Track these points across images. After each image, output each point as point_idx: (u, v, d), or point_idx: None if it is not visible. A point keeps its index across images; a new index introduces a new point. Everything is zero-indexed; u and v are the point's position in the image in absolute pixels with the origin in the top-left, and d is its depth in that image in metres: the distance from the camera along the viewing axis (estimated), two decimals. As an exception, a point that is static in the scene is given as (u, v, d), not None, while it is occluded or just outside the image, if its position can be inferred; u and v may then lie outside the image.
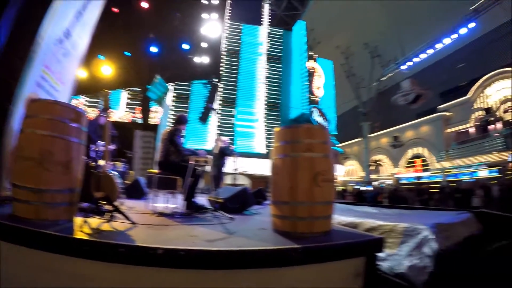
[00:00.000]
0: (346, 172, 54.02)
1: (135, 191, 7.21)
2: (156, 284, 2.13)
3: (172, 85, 24.82)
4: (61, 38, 5.26)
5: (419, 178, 41.67)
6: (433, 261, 3.19)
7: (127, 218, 3.29)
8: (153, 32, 14.39)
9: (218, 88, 17.78)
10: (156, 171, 5.07)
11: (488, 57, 41.10)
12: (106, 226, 3.00)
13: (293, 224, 3.03)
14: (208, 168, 5.86)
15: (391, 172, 46.44)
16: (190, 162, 4.81)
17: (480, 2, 23.35)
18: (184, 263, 2.13)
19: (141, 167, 14.81)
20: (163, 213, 4.51)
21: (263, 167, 28.45)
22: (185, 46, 15.15)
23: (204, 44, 15.45)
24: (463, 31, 23.75)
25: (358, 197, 22.90)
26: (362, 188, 29.11)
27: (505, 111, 34.65)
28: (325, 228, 3.15)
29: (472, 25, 23.37)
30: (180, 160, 4.96)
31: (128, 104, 30.29)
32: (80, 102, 28.76)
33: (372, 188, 28.43)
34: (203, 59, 15.85)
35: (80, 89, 15.25)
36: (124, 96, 30.29)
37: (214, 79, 17.47)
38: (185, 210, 4.67)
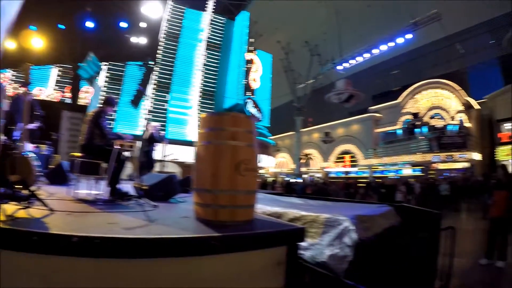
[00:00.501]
0: (277, 164, 55.41)
1: (58, 176, 6.84)
2: (72, 274, 2.06)
3: (105, 65, 23.88)
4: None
5: (347, 173, 44.43)
6: (352, 250, 3.24)
7: (44, 204, 3.14)
8: (90, 6, 13.65)
9: (153, 72, 17.32)
10: (79, 154, 4.89)
11: (420, 67, 44.61)
12: (22, 213, 2.85)
13: (215, 212, 3.03)
14: (135, 153, 5.75)
15: (321, 166, 48.97)
16: (115, 146, 4.64)
17: (421, 17, 25.07)
18: (100, 251, 2.07)
19: (67, 151, 14.12)
20: (84, 200, 4.33)
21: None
22: (123, 24, 14.58)
23: (143, 24, 14.95)
24: (400, 40, 25.25)
25: (287, 189, 23.39)
26: (292, 180, 29.90)
27: (431, 117, 37.87)
28: (247, 217, 3.18)
29: (409, 36, 24.95)
30: (104, 144, 4.81)
31: (58, 82, 28.23)
32: (6, 76, 26.56)
33: (301, 180, 29.10)
34: (140, 40, 15.36)
35: (8, 62, 14.29)
36: (54, 73, 28.26)
37: (150, 62, 17.06)
38: (108, 197, 4.54)
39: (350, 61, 29.02)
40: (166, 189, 5.22)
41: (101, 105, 5.23)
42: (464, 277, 5.94)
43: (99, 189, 4.83)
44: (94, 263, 2.08)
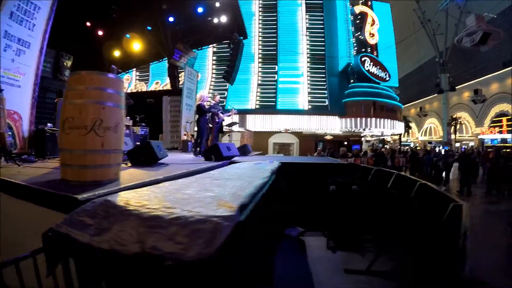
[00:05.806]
0: (425, 131, 52.17)
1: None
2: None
3: (211, 47, 27.71)
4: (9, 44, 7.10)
5: (505, 140, 38.02)
6: None
7: (15, 162, 5.16)
8: (166, 3, 16.24)
9: (242, 45, 18.96)
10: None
11: None
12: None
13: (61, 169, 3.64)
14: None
15: (474, 132, 43.81)
16: None
17: None
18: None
19: (171, 129, 17.03)
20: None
21: (307, 124, 30.22)
22: (200, 10, 16.62)
23: (217, 4, 16.57)
24: None
25: (412, 161, 20.66)
26: (433, 149, 26.01)
27: None
28: (77, 178, 3.39)
29: None
30: None
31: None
32: (128, 77, 36.01)
33: (437, 149, 25.18)
34: (221, 19, 17.01)
35: (119, 66, 18.42)
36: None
37: (239, 37, 18.68)
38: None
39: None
40: (145, 155, 5.98)
41: None
42: None
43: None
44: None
